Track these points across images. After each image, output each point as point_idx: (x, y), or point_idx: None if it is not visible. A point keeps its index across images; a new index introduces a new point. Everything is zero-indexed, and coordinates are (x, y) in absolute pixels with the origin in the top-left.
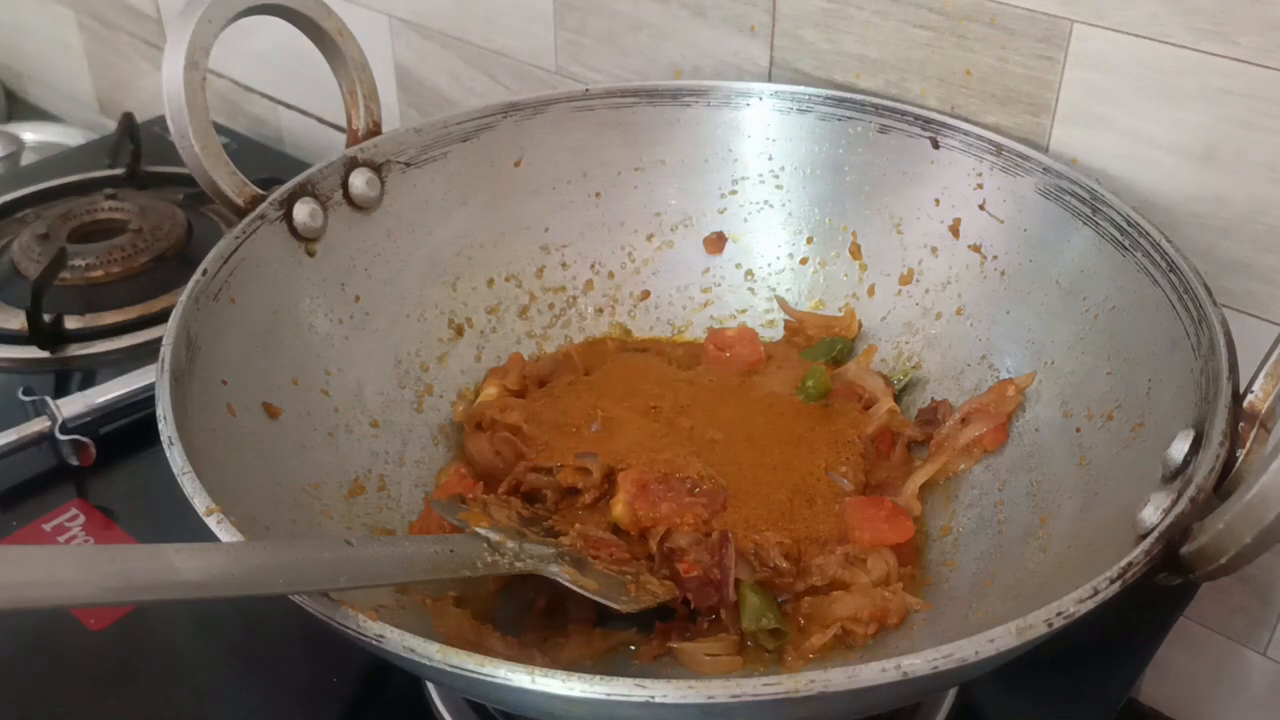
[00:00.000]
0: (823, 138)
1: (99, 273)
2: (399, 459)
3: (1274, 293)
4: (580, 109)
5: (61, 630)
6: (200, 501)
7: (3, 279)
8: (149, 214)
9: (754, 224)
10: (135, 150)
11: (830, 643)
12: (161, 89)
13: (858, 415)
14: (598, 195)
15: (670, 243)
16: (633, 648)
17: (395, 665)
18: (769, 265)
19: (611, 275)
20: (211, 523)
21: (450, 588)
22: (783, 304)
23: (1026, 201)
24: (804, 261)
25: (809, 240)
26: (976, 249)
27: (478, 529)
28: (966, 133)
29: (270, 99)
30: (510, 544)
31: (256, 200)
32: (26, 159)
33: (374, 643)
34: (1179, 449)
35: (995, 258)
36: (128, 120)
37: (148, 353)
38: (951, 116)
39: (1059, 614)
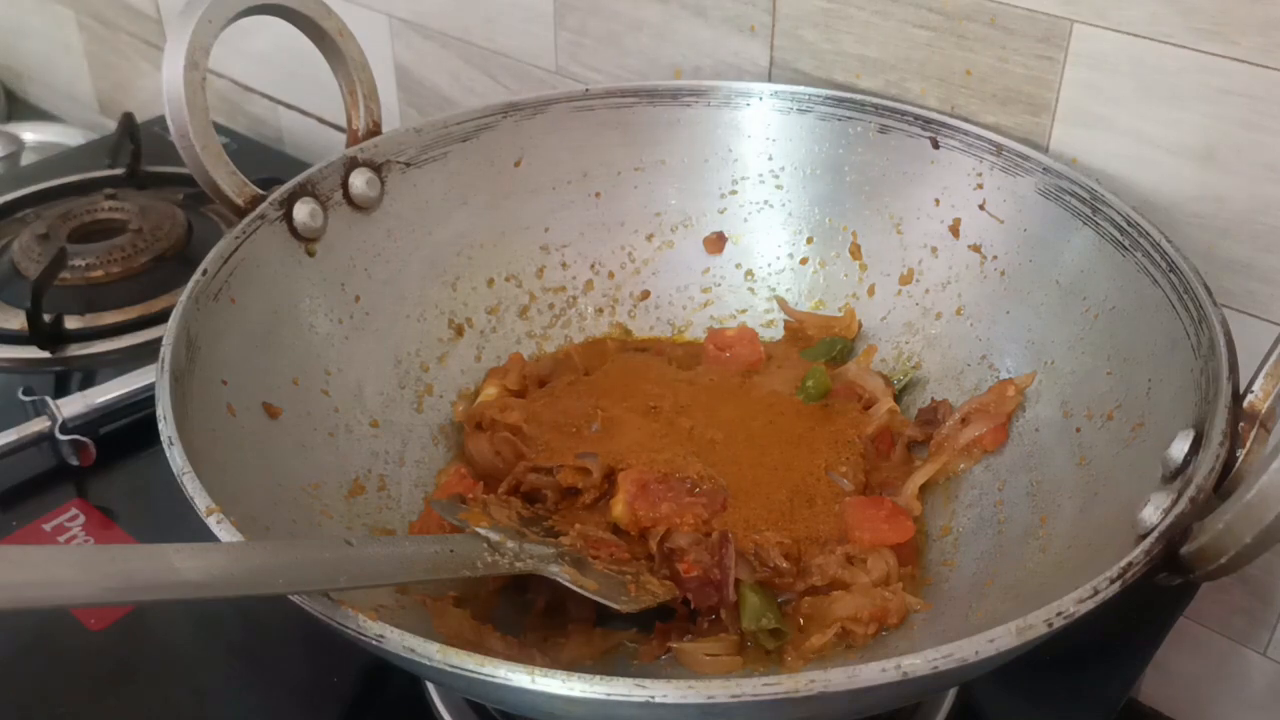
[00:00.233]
0: (823, 138)
1: (99, 273)
2: (399, 459)
3: (1274, 293)
4: (580, 109)
5: (61, 630)
6: (200, 501)
7: (3, 279)
8: (149, 214)
9: (754, 224)
10: (135, 150)
11: (830, 643)
12: (161, 89)
13: (858, 415)
14: (598, 195)
15: (670, 243)
16: (633, 647)
17: (395, 665)
18: (769, 265)
19: (611, 275)
20: (211, 523)
21: (450, 588)
22: (783, 304)
23: (1026, 201)
24: (804, 261)
25: (809, 240)
26: (976, 249)
27: (478, 529)
28: (966, 133)
29: (270, 99)
30: (510, 544)
31: (256, 200)
32: (26, 159)
33: (374, 643)
34: (1179, 449)
35: (995, 258)
36: (128, 120)
37: (148, 353)
38: (951, 116)
39: (1059, 614)
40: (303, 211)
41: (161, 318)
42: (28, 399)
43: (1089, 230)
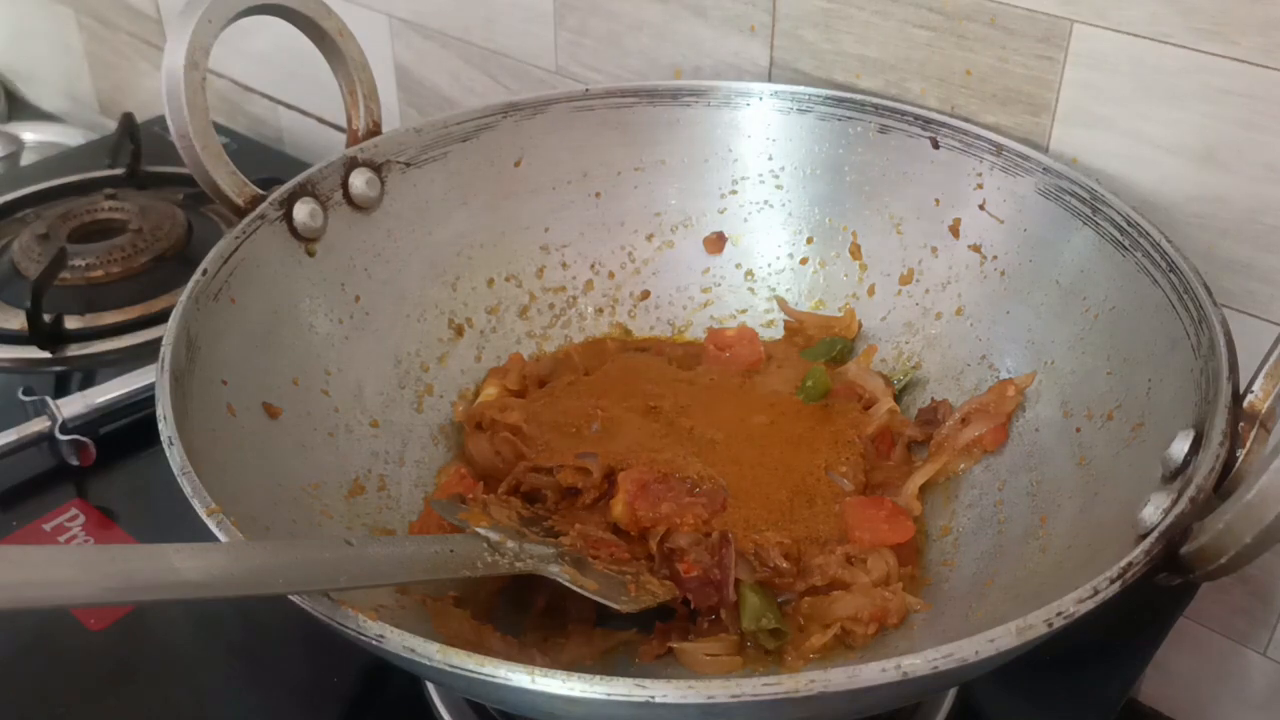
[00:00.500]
0: (823, 138)
1: (99, 273)
2: (399, 459)
3: (1274, 293)
4: (580, 109)
5: (61, 630)
6: (200, 501)
7: (3, 279)
8: (149, 214)
9: (754, 224)
10: (135, 150)
11: (830, 643)
12: (161, 89)
13: (858, 415)
14: (598, 195)
15: (670, 243)
16: (633, 647)
17: (395, 665)
18: (769, 265)
19: (611, 275)
20: (211, 523)
21: (450, 588)
22: (782, 304)
23: (1026, 201)
24: (804, 261)
25: (809, 240)
26: (976, 249)
27: (478, 529)
28: (966, 133)
29: (270, 99)
30: (510, 544)
31: (256, 200)
32: (26, 159)
33: (374, 643)
34: (1179, 449)
35: (995, 258)
36: (128, 120)
37: (148, 353)
38: (951, 116)
39: (1059, 614)
40: (303, 211)
41: (161, 318)
42: (28, 399)
43: (1089, 230)
